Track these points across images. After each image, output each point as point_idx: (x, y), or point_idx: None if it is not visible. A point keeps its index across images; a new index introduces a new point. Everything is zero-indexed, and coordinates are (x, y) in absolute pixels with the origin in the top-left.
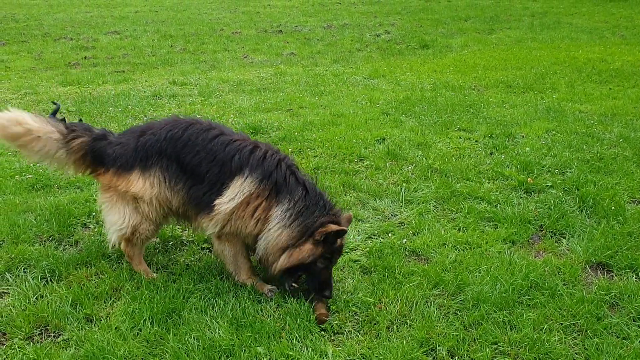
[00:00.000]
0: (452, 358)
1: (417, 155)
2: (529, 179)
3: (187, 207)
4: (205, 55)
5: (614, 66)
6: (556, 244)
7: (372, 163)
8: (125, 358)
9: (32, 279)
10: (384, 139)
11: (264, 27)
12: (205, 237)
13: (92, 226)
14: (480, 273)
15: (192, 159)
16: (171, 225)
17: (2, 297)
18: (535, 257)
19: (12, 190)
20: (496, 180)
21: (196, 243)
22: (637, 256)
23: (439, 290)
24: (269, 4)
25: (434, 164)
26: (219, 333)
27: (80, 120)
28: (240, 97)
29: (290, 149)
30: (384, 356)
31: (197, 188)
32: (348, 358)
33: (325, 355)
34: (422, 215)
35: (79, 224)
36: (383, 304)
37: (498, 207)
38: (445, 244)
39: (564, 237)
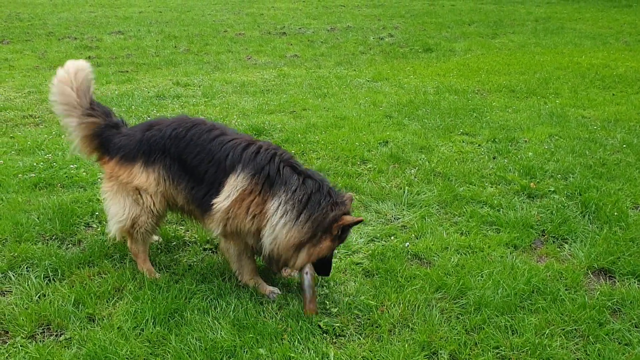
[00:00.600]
0: None
1: (420, 159)
2: (532, 184)
3: (192, 207)
4: (208, 56)
5: (618, 72)
6: (558, 249)
7: (375, 166)
8: (127, 358)
9: (35, 277)
10: (387, 142)
11: (267, 29)
12: (212, 237)
13: (95, 225)
14: (482, 277)
15: (192, 160)
16: (174, 226)
17: (4, 296)
18: (537, 262)
19: (15, 188)
20: (499, 184)
21: (199, 244)
22: None
23: (441, 294)
24: (273, 6)
25: (436, 167)
26: (221, 334)
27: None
28: (243, 98)
29: (293, 151)
30: (386, 359)
31: (198, 189)
32: None
33: (327, 357)
34: (425, 219)
35: (82, 223)
36: (385, 307)
37: (500, 212)
38: (447, 247)
39: (566, 242)
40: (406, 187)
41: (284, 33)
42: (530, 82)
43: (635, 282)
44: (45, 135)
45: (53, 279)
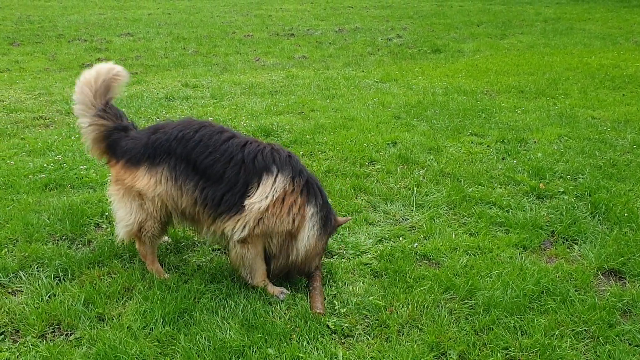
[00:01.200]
0: None
1: (429, 160)
2: (541, 185)
3: (200, 208)
4: (217, 57)
5: (628, 72)
6: (568, 250)
7: (384, 167)
8: (136, 357)
9: (45, 277)
10: (396, 143)
11: (275, 31)
12: (217, 243)
13: (104, 226)
14: (491, 278)
15: (204, 160)
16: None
17: (15, 295)
18: (546, 262)
19: (26, 189)
20: (508, 185)
21: (207, 244)
22: None
23: (449, 295)
24: (281, 8)
25: (445, 168)
26: (229, 334)
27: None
28: (252, 99)
29: (301, 152)
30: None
31: (214, 189)
32: None
33: (336, 357)
34: (434, 220)
35: (92, 224)
36: (394, 307)
37: (510, 213)
38: (456, 248)
39: (576, 243)
40: (415, 188)
41: (292, 34)
42: (540, 82)
43: None
44: (56, 137)
45: (63, 279)
